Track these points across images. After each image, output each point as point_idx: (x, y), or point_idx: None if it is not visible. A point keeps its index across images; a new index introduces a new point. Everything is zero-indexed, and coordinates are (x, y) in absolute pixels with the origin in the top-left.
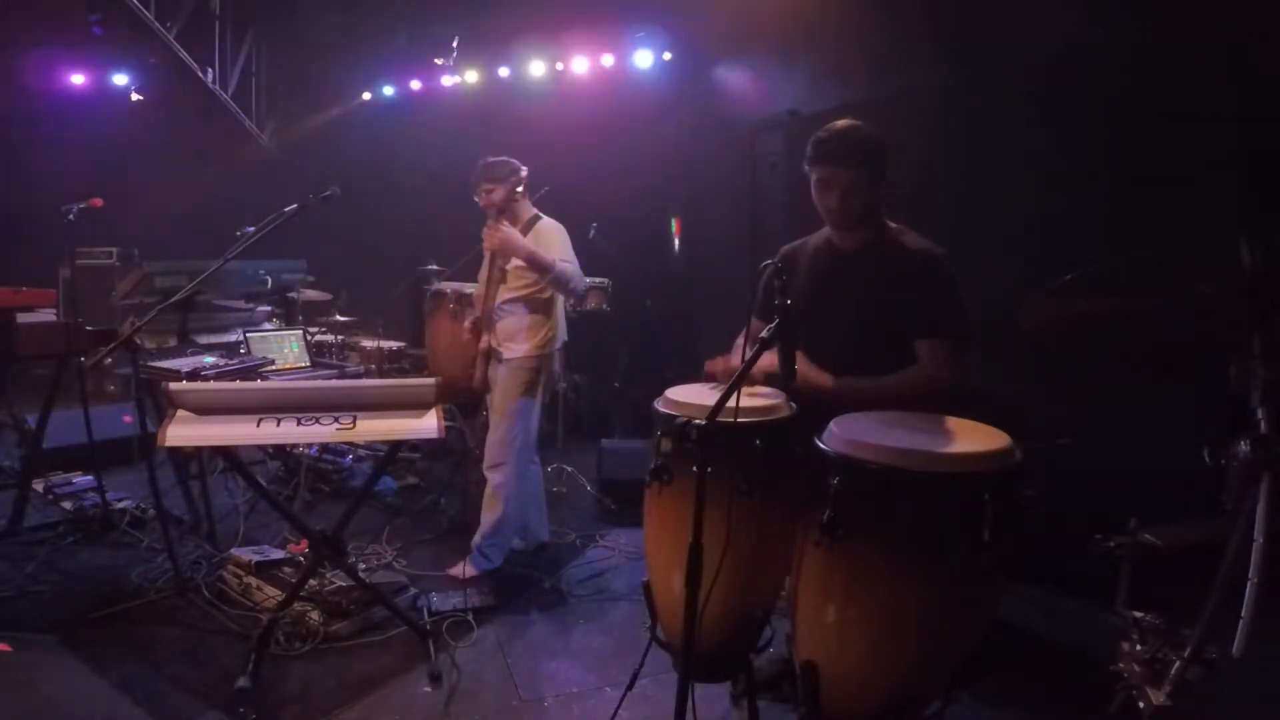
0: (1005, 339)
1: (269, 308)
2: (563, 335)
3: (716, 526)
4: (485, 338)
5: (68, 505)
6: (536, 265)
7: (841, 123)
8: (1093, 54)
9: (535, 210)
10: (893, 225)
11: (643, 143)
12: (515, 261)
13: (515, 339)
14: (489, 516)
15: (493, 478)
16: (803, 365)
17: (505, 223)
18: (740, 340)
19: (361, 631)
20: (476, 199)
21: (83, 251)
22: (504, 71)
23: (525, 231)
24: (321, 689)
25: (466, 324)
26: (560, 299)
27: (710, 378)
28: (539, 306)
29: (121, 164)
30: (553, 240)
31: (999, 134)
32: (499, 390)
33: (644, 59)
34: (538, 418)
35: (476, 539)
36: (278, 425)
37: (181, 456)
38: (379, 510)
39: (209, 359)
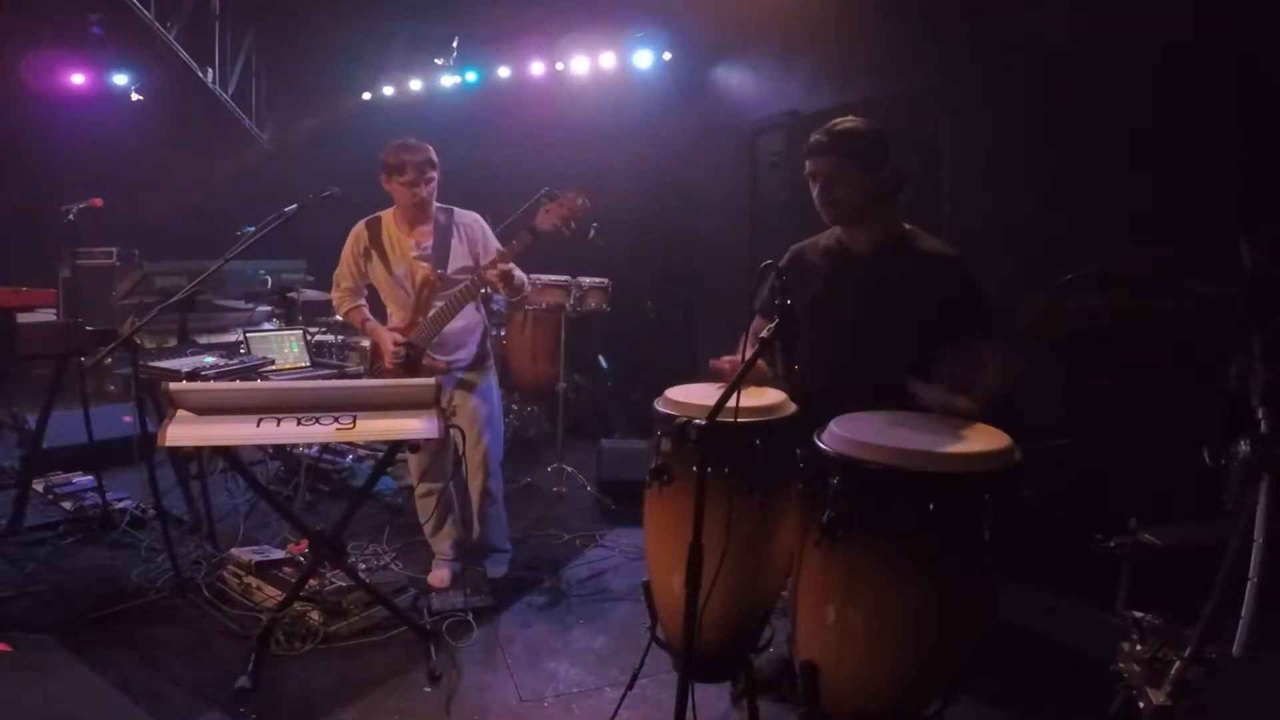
0: (1005, 339)
1: (269, 308)
2: None
3: (716, 526)
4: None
5: (68, 505)
6: None
7: (839, 119)
8: (1093, 53)
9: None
10: (908, 227)
11: (642, 143)
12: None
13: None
14: (501, 515)
15: (495, 485)
16: (934, 394)
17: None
18: (743, 340)
19: (361, 631)
20: (410, 184)
21: (83, 251)
22: (504, 71)
23: (439, 219)
24: (321, 689)
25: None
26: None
27: (716, 374)
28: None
29: (121, 164)
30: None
31: (998, 134)
32: (485, 403)
33: (644, 59)
34: None
35: (499, 542)
36: (278, 425)
37: (181, 456)
38: (379, 510)
39: (209, 359)
